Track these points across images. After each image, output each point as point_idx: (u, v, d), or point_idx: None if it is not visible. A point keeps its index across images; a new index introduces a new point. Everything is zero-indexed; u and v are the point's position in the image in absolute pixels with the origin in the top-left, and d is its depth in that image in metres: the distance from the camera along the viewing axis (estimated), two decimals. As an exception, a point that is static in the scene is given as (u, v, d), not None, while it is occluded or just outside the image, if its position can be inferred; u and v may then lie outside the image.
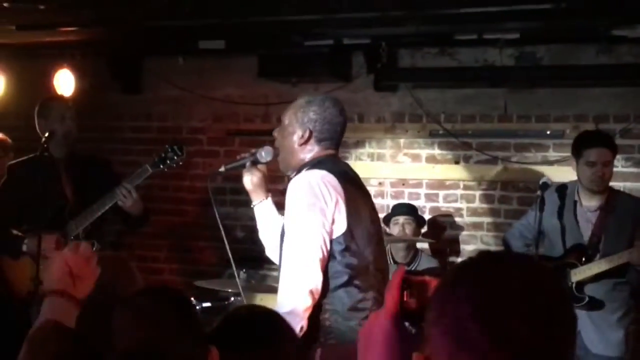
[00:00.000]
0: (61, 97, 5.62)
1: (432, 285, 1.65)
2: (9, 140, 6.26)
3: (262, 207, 4.04)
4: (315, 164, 3.71)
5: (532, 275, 1.47)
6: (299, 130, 3.77)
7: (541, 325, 1.41)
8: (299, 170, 3.74)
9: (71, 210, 5.03)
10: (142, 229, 5.62)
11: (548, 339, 1.41)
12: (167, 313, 2.25)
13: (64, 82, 6.58)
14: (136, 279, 2.78)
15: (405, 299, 1.69)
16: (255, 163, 4.00)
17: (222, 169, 4.06)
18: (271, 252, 4.03)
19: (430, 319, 1.48)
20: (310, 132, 3.76)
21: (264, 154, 3.98)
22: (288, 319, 3.26)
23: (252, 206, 4.06)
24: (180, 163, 5.08)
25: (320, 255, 3.49)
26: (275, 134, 3.90)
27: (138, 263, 6.70)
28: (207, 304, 5.03)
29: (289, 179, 3.75)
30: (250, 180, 4.00)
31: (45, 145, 4.89)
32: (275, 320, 2.51)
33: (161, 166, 5.01)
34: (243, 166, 4.01)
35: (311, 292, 3.45)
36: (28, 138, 6.36)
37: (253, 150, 4.03)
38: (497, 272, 1.47)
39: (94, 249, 4.95)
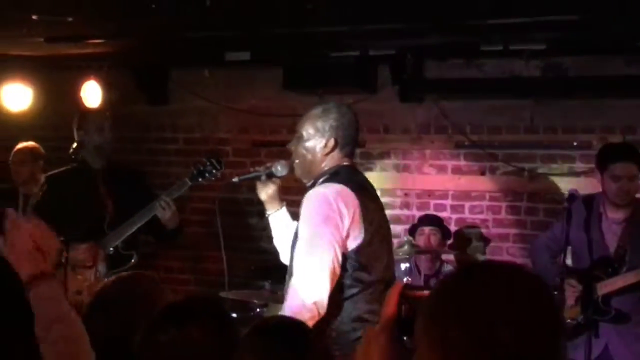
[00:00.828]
0: (98, 109, 5.68)
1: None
2: (40, 149, 6.34)
3: (278, 216, 4.12)
4: (333, 174, 3.74)
5: (517, 283, 1.49)
6: (322, 140, 3.78)
7: (525, 330, 1.42)
8: (315, 180, 3.76)
9: (110, 222, 5.06)
10: (174, 241, 5.62)
11: (531, 344, 1.42)
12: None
13: (91, 93, 6.62)
14: (166, 297, 2.78)
15: (403, 314, 1.69)
16: (270, 176, 4.04)
17: (235, 179, 4.11)
18: (285, 258, 4.03)
19: (418, 330, 1.50)
20: (335, 140, 3.77)
21: (280, 168, 4.01)
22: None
23: (266, 215, 4.14)
24: (219, 176, 5.10)
25: (331, 268, 3.50)
26: (292, 146, 3.89)
27: (164, 274, 6.76)
28: (233, 315, 5.04)
29: (307, 188, 3.77)
30: (265, 192, 4.08)
31: (74, 157, 4.94)
32: (303, 332, 2.51)
33: (200, 179, 5.03)
34: (257, 178, 4.06)
35: (315, 304, 3.45)
36: (56, 148, 6.45)
37: (268, 164, 4.06)
38: (481, 280, 1.50)
39: (132, 261, 5.02)
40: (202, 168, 5.04)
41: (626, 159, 4.92)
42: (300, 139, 3.82)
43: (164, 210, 4.94)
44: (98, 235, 5.01)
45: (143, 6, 4.59)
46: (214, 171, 5.03)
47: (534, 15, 4.83)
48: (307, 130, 3.80)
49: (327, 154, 3.78)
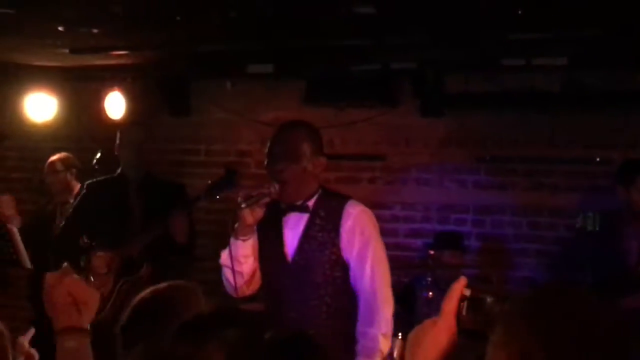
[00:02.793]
0: (135, 123, 5.78)
1: (489, 303, 1.64)
2: (73, 159, 6.47)
3: (251, 242, 3.86)
4: (333, 193, 3.94)
5: (600, 312, 1.47)
6: (320, 158, 3.81)
7: None
8: (305, 200, 3.80)
9: (134, 231, 5.11)
10: (185, 258, 5.58)
11: None
12: None
13: (115, 104, 6.68)
14: (202, 305, 2.77)
15: (462, 312, 1.68)
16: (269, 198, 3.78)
17: (243, 205, 3.71)
18: (246, 287, 3.96)
19: (497, 341, 1.48)
20: (325, 157, 3.85)
21: (276, 188, 3.77)
22: (382, 342, 3.59)
23: (242, 240, 3.82)
24: (233, 190, 5.09)
25: None
26: (282, 167, 3.73)
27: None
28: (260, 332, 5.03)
29: (285, 208, 3.81)
30: (254, 216, 3.75)
31: (96, 167, 5.02)
32: (314, 345, 2.51)
33: (215, 194, 5.04)
34: (257, 201, 3.73)
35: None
36: (77, 159, 6.52)
37: (268, 186, 3.76)
38: (566, 306, 1.47)
39: (142, 270, 5.04)
40: (219, 182, 5.06)
41: None
42: (295, 159, 3.74)
43: (175, 223, 4.96)
44: (120, 243, 5.05)
45: (167, 18, 4.63)
46: (230, 186, 5.04)
47: (556, 30, 4.84)
48: (304, 149, 3.76)
49: (321, 172, 3.83)
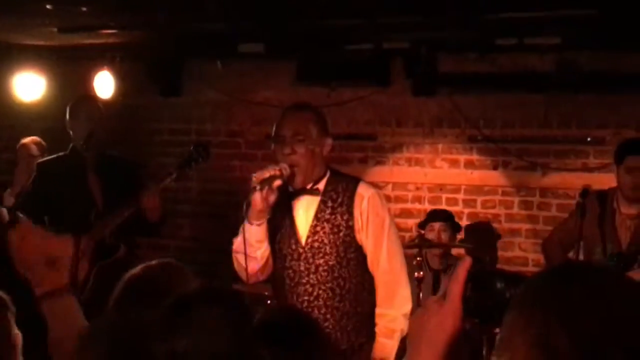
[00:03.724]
0: (90, 98, 5.62)
1: (499, 288, 1.59)
2: (43, 143, 6.37)
3: (265, 226, 3.76)
4: (342, 174, 3.94)
5: (623, 292, 1.41)
6: (327, 139, 3.80)
7: (636, 349, 1.34)
8: (315, 182, 3.78)
9: (98, 212, 5.01)
10: (154, 237, 5.51)
11: None
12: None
13: (104, 84, 6.64)
14: (192, 283, 2.75)
15: (467, 293, 1.61)
16: (282, 180, 3.67)
17: (258, 187, 3.59)
18: (260, 273, 3.91)
19: (512, 325, 1.43)
20: (331, 138, 3.85)
21: (288, 169, 3.69)
22: (403, 322, 3.67)
23: (257, 225, 3.72)
24: (205, 163, 4.97)
25: None
26: (291, 150, 3.68)
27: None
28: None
29: (296, 192, 3.79)
30: (267, 200, 3.63)
31: (86, 147, 4.93)
32: (310, 324, 2.50)
33: (186, 169, 4.94)
34: (274, 180, 3.62)
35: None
36: (66, 139, 6.46)
37: (281, 167, 3.66)
38: (587, 287, 1.41)
39: (119, 252, 4.97)
40: (187, 157, 4.95)
41: None
42: (307, 140, 3.72)
43: (148, 201, 4.86)
44: (86, 225, 4.95)
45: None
46: (200, 159, 4.93)
47: (550, 10, 4.81)
48: (312, 131, 3.74)
49: (326, 154, 3.80)
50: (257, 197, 3.61)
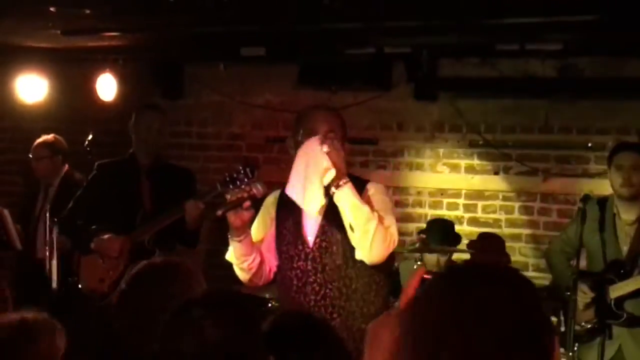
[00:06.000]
0: (152, 107, 5.69)
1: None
2: (60, 142, 6.35)
3: (247, 241, 3.86)
4: (352, 175, 3.84)
5: (499, 291, 1.48)
6: (345, 144, 3.85)
7: (508, 345, 1.41)
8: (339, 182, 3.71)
9: (145, 216, 5.10)
10: (191, 247, 5.55)
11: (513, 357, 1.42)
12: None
13: (106, 86, 6.66)
14: (201, 285, 2.77)
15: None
16: (251, 200, 3.80)
17: (219, 213, 3.73)
18: (257, 280, 4.00)
19: (404, 327, 1.49)
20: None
21: (260, 189, 3.84)
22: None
23: (237, 240, 3.83)
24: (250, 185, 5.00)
25: None
26: (335, 145, 3.69)
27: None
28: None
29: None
30: (241, 218, 3.76)
31: (89, 149, 4.99)
32: (323, 328, 2.51)
33: (231, 186, 4.95)
34: (240, 205, 3.74)
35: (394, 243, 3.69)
36: (70, 141, 6.47)
37: (248, 189, 3.82)
38: (464, 287, 1.48)
39: (155, 257, 5.01)
40: (235, 175, 4.96)
41: (629, 149, 4.92)
42: (338, 138, 3.75)
43: (190, 211, 4.94)
44: (129, 227, 5.05)
45: (160, 0, 4.60)
46: (245, 180, 4.95)
47: (551, 16, 4.82)
48: (339, 132, 3.78)
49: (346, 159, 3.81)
50: (230, 217, 3.74)
